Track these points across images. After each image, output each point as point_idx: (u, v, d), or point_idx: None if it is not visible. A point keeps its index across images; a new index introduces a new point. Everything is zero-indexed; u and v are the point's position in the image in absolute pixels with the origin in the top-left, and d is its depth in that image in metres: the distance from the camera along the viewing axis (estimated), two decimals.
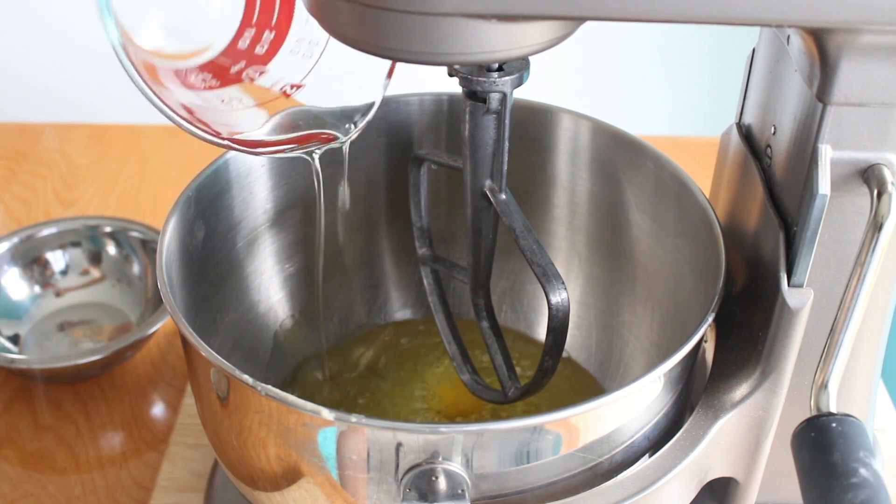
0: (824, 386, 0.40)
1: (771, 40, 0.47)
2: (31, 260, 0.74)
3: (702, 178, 0.54)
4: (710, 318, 0.45)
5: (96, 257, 0.76)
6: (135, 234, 0.75)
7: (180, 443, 0.65)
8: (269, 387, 0.41)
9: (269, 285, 0.62)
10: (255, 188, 0.58)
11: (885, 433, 0.67)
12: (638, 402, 0.45)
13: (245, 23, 0.49)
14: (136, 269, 0.75)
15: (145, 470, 0.64)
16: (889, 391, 0.71)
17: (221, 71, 0.49)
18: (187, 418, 0.67)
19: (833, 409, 0.39)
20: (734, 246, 0.50)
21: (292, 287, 0.63)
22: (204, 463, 0.63)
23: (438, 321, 0.60)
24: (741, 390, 0.47)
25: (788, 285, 0.44)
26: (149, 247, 0.74)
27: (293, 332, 0.64)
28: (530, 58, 0.41)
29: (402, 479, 0.42)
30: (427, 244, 0.60)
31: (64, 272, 0.75)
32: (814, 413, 0.40)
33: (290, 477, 0.45)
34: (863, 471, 0.37)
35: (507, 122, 0.46)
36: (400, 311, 0.68)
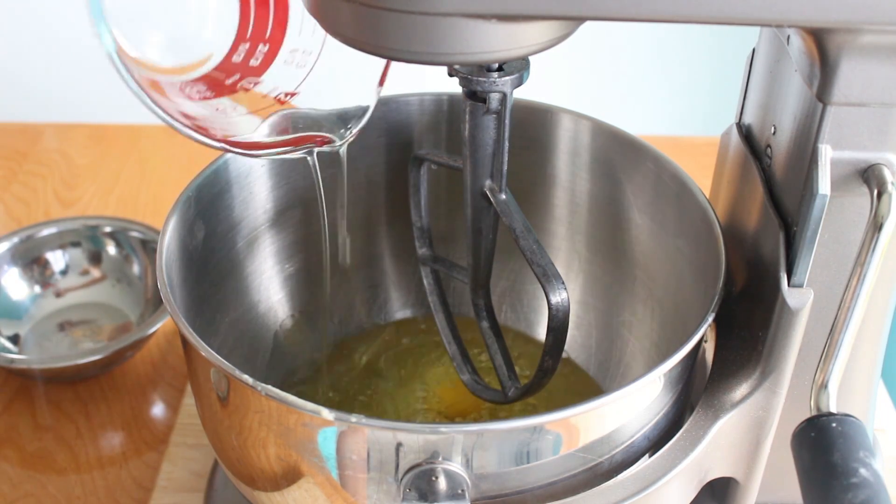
0: (824, 386, 0.40)
1: (771, 40, 0.47)
2: (31, 260, 0.74)
3: (702, 178, 0.54)
4: (710, 318, 0.45)
5: (96, 257, 0.76)
6: (135, 234, 0.75)
7: (180, 443, 0.64)
8: (269, 387, 0.41)
9: (269, 285, 0.62)
10: (255, 188, 0.58)
11: (885, 433, 0.67)
12: (638, 403, 0.45)
13: (240, 38, 0.50)
14: (136, 269, 0.75)
15: (145, 470, 0.64)
16: (889, 391, 0.71)
17: (216, 83, 0.49)
18: (187, 418, 0.67)
19: (833, 409, 0.39)
20: (734, 246, 0.50)
21: (292, 287, 0.63)
22: (204, 463, 0.63)
23: (438, 321, 0.60)
24: (741, 390, 0.47)
25: (788, 285, 0.44)
26: (149, 247, 0.74)
27: (293, 332, 0.64)
28: (530, 58, 0.41)
29: (402, 479, 0.42)
30: (427, 244, 0.60)
31: (64, 272, 0.75)
32: (814, 413, 0.40)
33: (290, 477, 0.45)
34: (863, 471, 0.37)
35: (507, 122, 0.46)
36: (400, 311, 0.68)
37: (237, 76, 0.50)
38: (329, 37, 0.50)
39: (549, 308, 0.47)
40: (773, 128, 0.47)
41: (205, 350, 0.43)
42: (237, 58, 0.49)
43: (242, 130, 0.50)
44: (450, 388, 0.63)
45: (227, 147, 0.48)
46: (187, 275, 0.52)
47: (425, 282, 0.61)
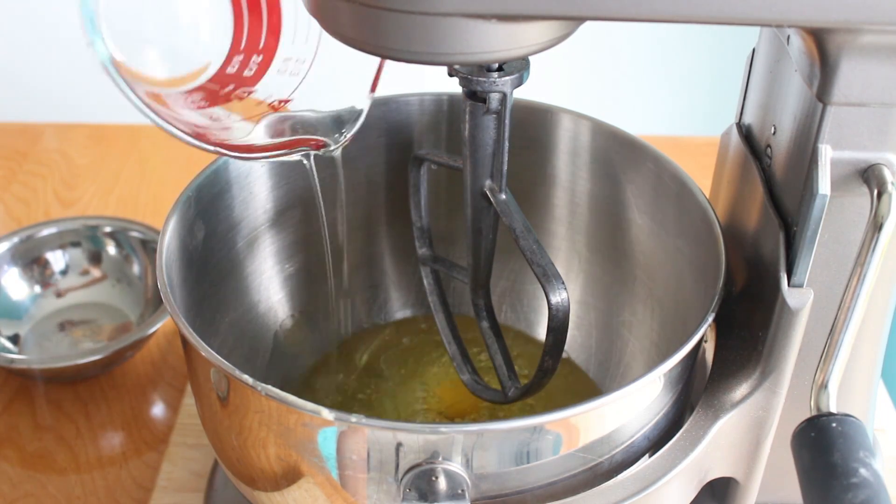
0: (824, 386, 0.40)
1: (771, 40, 0.47)
2: (31, 260, 0.74)
3: (702, 178, 0.54)
4: (710, 318, 0.45)
5: (96, 257, 0.76)
6: (135, 234, 0.75)
7: (180, 443, 0.65)
8: (269, 387, 0.41)
9: (269, 285, 0.62)
10: (255, 188, 0.58)
11: (885, 433, 0.67)
12: (638, 403, 0.45)
13: (234, 50, 0.50)
14: (136, 269, 0.75)
15: (145, 470, 0.64)
16: (889, 391, 0.71)
17: (211, 94, 0.50)
18: (187, 418, 0.67)
19: (833, 409, 0.39)
20: (734, 246, 0.50)
21: (292, 287, 0.63)
22: (204, 463, 0.63)
23: (438, 321, 0.60)
24: (741, 390, 0.47)
25: (788, 285, 0.44)
26: (149, 247, 0.74)
27: (293, 332, 0.64)
28: (530, 58, 0.41)
29: (402, 479, 0.42)
30: (427, 244, 0.60)
31: (64, 272, 0.75)
32: (814, 413, 0.40)
33: (290, 477, 0.45)
34: (863, 471, 0.37)
35: (507, 122, 0.46)
36: (400, 311, 0.68)
37: (231, 86, 0.50)
38: (322, 44, 0.51)
39: (549, 308, 0.47)
40: (773, 128, 0.47)
41: (205, 350, 0.43)
42: (231, 69, 0.50)
43: (237, 136, 0.50)
44: (449, 388, 0.63)
45: (223, 151, 0.48)
46: (187, 275, 0.52)
47: (425, 282, 0.61)
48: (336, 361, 0.65)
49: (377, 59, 0.52)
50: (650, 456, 0.46)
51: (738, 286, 0.50)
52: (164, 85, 0.48)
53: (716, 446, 0.47)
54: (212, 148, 0.47)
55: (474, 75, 0.44)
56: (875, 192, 0.41)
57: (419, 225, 0.60)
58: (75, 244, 0.75)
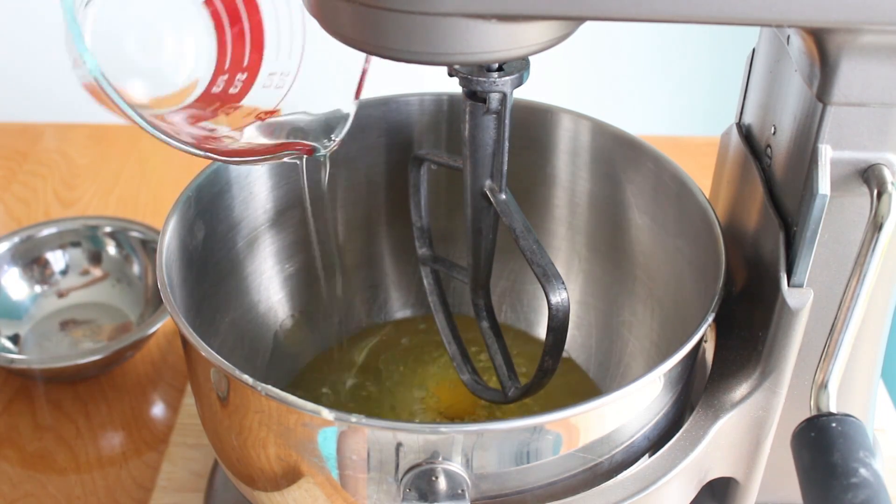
0: (824, 386, 0.40)
1: (771, 40, 0.47)
2: (31, 260, 0.74)
3: (702, 178, 0.54)
4: (710, 318, 0.45)
5: (96, 257, 0.76)
6: (135, 234, 0.75)
7: (180, 443, 0.64)
8: (269, 387, 0.41)
9: (269, 285, 0.62)
10: (255, 188, 0.58)
11: (885, 433, 0.67)
12: (638, 403, 0.45)
13: (218, 70, 0.50)
14: (136, 269, 0.75)
15: (145, 470, 0.64)
16: (889, 391, 0.71)
17: (196, 114, 0.50)
18: (187, 418, 0.67)
19: (833, 409, 0.39)
20: (734, 246, 0.50)
21: (292, 287, 0.63)
22: (204, 463, 0.63)
23: (438, 321, 0.60)
24: (741, 390, 0.47)
25: (788, 285, 0.44)
26: (149, 247, 0.74)
27: (293, 332, 0.64)
28: (530, 58, 0.41)
29: (402, 479, 0.42)
30: (427, 244, 0.60)
31: (64, 272, 0.75)
32: (814, 413, 0.40)
33: (290, 477, 0.45)
34: (863, 471, 0.37)
35: (507, 122, 0.46)
36: (400, 311, 0.68)
37: (217, 104, 0.50)
38: (305, 56, 0.51)
39: (549, 308, 0.47)
40: (773, 128, 0.47)
41: (205, 350, 0.43)
42: (216, 89, 0.50)
43: (227, 144, 0.50)
44: (448, 388, 0.63)
45: (212, 156, 0.48)
46: (187, 275, 0.52)
47: (425, 282, 0.61)
48: (334, 361, 0.65)
49: (361, 66, 0.52)
50: (650, 456, 0.46)
51: (738, 286, 0.50)
52: (149, 108, 0.49)
53: (716, 446, 0.47)
54: (201, 153, 0.47)
55: (474, 75, 0.44)
56: (875, 192, 0.41)
57: (419, 225, 0.60)
58: (75, 244, 0.75)
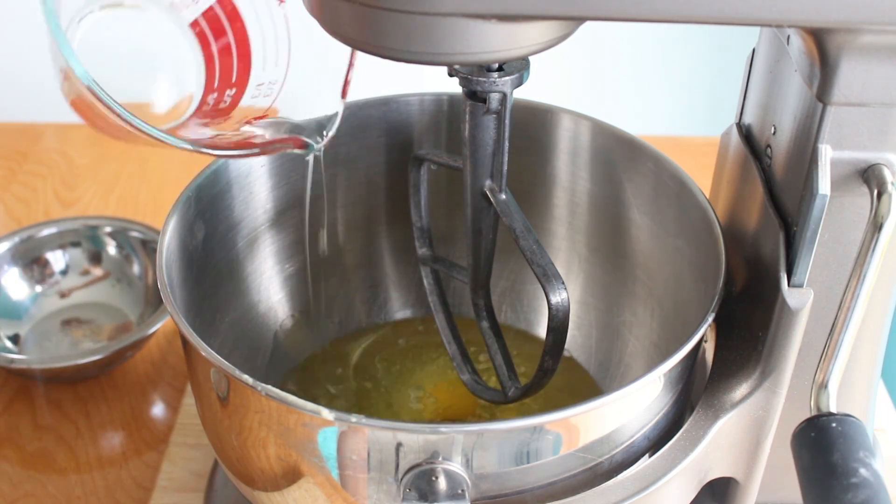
0: (824, 386, 0.40)
1: (771, 40, 0.47)
2: (31, 260, 0.74)
3: (702, 178, 0.54)
4: (710, 318, 0.45)
5: (96, 257, 0.76)
6: (135, 234, 0.75)
7: (180, 443, 0.65)
8: (269, 387, 0.41)
9: (269, 285, 0.62)
10: (255, 188, 0.58)
11: (885, 433, 0.67)
12: (638, 402, 0.45)
13: (208, 90, 0.51)
14: (136, 269, 0.75)
15: (145, 470, 0.64)
16: (889, 391, 0.71)
17: (187, 130, 0.50)
18: (187, 418, 0.67)
19: (833, 409, 0.39)
20: (734, 246, 0.50)
21: (292, 287, 0.63)
22: (204, 463, 0.63)
23: (438, 321, 0.60)
24: (741, 390, 0.47)
25: (788, 285, 0.44)
26: (149, 247, 0.74)
27: (293, 332, 0.64)
28: (530, 58, 0.41)
29: (402, 479, 0.42)
30: (427, 244, 0.60)
31: (64, 272, 0.75)
32: (814, 413, 0.40)
33: (290, 477, 0.45)
34: (863, 471, 0.37)
35: (507, 122, 0.46)
36: (400, 311, 0.68)
37: (207, 120, 0.51)
38: (292, 63, 0.51)
39: (549, 308, 0.47)
40: (773, 128, 0.47)
41: (205, 350, 0.43)
42: (206, 107, 0.51)
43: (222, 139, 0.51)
44: (446, 389, 0.63)
45: (204, 150, 0.48)
46: (187, 275, 0.52)
47: (425, 282, 0.61)
48: (334, 361, 0.65)
49: (345, 67, 0.52)
50: (650, 456, 0.46)
51: (738, 286, 0.50)
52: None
53: (716, 446, 0.47)
54: (190, 146, 0.47)
55: (474, 75, 0.44)
56: (875, 192, 0.41)
57: (419, 225, 0.60)
58: (75, 244, 0.75)
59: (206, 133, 0.50)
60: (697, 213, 0.52)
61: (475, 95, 0.45)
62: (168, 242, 0.50)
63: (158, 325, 0.67)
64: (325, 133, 0.52)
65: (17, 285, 0.73)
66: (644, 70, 1.28)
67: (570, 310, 0.48)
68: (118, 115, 0.42)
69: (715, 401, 0.47)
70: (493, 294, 0.56)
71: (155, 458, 0.65)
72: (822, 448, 0.38)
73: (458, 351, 0.59)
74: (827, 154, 0.42)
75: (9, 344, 0.71)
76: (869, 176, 0.42)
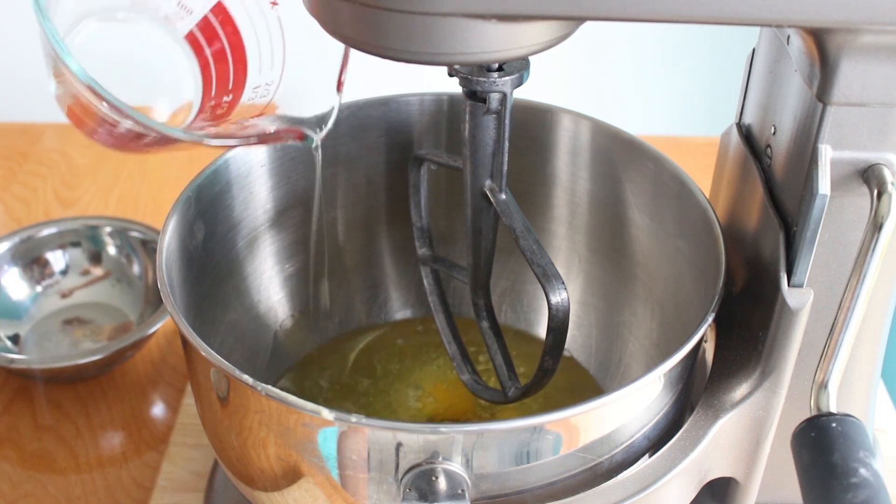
0: (824, 386, 0.40)
1: (771, 40, 0.47)
2: (31, 260, 0.74)
3: (702, 178, 0.54)
4: (710, 318, 0.45)
5: (96, 257, 0.76)
6: (135, 234, 0.75)
7: (180, 443, 0.65)
8: (269, 387, 0.41)
9: (269, 285, 0.62)
10: (255, 188, 0.58)
11: (885, 433, 0.67)
12: (638, 402, 0.45)
13: (205, 99, 0.51)
14: (136, 269, 0.75)
15: (145, 470, 0.64)
16: (889, 391, 0.71)
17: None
18: (187, 418, 0.67)
19: (833, 409, 0.39)
20: (734, 246, 0.50)
21: (292, 287, 0.63)
22: (204, 463, 0.63)
23: (438, 321, 0.60)
24: (741, 390, 0.47)
25: (788, 285, 0.44)
26: (149, 247, 0.74)
27: (293, 332, 0.64)
28: (530, 58, 0.41)
29: (402, 479, 0.42)
30: (427, 244, 0.60)
31: (64, 272, 0.75)
32: (814, 413, 0.40)
33: (290, 477, 0.45)
34: (863, 471, 0.37)
35: (507, 122, 0.46)
36: (400, 311, 0.68)
37: (204, 125, 0.51)
38: (287, 62, 0.51)
39: (549, 308, 0.47)
40: (773, 128, 0.47)
41: (205, 350, 0.43)
42: (205, 114, 0.50)
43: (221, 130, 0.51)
44: (445, 389, 0.63)
45: (211, 141, 0.48)
46: (187, 275, 0.52)
47: (425, 282, 0.61)
48: (333, 361, 0.65)
49: (339, 62, 0.52)
50: (650, 456, 0.46)
51: (738, 286, 0.50)
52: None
53: (716, 446, 0.47)
54: (188, 136, 0.47)
55: (474, 75, 0.44)
56: (875, 192, 0.41)
57: (419, 225, 0.60)
58: (75, 244, 0.75)
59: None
60: (697, 213, 0.52)
61: (475, 95, 0.45)
62: (168, 242, 0.50)
63: (158, 325, 0.67)
64: (323, 125, 0.52)
65: (17, 285, 0.73)
66: (644, 70, 1.28)
67: (570, 310, 0.48)
68: (118, 110, 0.42)
69: (715, 401, 0.47)
70: (493, 294, 0.56)
71: (155, 458, 0.65)
72: (822, 448, 0.38)
73: (458, 351, 0.59)
74: (827, 154, 0.42)
75: (9, 344, 0.71)
76: (869, 176, 0.42)
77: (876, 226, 0.40)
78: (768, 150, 0.48)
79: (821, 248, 0.44)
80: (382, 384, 0.63)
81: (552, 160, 0.61)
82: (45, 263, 0.75)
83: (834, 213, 0.43)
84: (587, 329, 0.65)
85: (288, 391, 0.41)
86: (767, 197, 0.46)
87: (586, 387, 0.63)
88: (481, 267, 0.54)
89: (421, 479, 0.42)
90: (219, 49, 0.51)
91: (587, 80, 1.28)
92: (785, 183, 0.45)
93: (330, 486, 0.44)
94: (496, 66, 0.44)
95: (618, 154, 0.58)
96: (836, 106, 0.40)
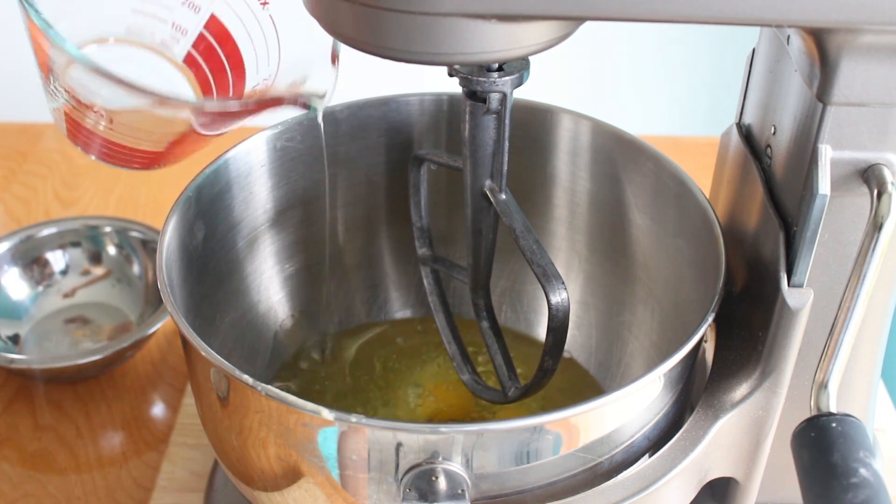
0: (824, 386, 0.40)
1: (771, 40, 0.47)
2: (31, 260, 0.74)
3: (702, 178, 0.54)
4: (710, 318, 0.45)
5: (96, 257, 0.76)
6: (135, 234, 0.75)
7: (180, 443, 0.65)
8: (269, 387, 0.41)
9: (269, 285, 0.62)
10: (255, 188, 0.58)
11: (885, 433, 0.67)
12: (638, 402, 0.45)
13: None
14: (136, 269, 0.75)
15: (145, 470, 0.64)
16: (889, 391, 0.71)
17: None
18: (187, 418, 0.67)
19: (833, 409, 0.39)
20: (734, 246, 0.50)
21: (292, 287, 0.63)
22: (204, 463, 0.63)
23: (438, 321, 0.60)
24: (741, 390, 0.47)
25: (788, 285, 0.44)
26: (149, 247, 0.74)
27: (293, 332, 0.64)
28: (530, 58, 0.41)
29: (402, 479, 0.42)
30: (427, 244, 0.60)
31: (64, 272, 0.75)
32: (814, 413, 0.40)
33: (290, 477, 0.45)
34: (863, 471, 0.37)
35: (507, 122, 0.46)
36: (400, 311, 0.68)
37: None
38: (283, 53, 0.51)
39: (549, 308, 0.47)
40: (773, 128, 0.47)
41: (205, 350, 0.43)
42: (205, 119, 0.51)
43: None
44: (445, 389, 0.63)
45: (202, 105, 0.48)
46: (187, 275, 0.52)
47: (425, 282, 0.61)
48: (332, 361, 0.65)
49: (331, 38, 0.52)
50: (650, 456, 0.46)
51: (738, 286, 0.50)
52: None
53: (716, 446, 0.47)
54: (192, 101, 0.47)
55: (474, 75, 0.44)
56: (875, 192, 0.41)
57: (419, 225, 0.60)
58: (75, 244, 0.75)
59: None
60: (697, 213, 0.52)
61: (475, 95, 0.45)
62: (168, 242, 0.50)
63: (158, 325, 0.67)
64: (324, 96, 0.52)
65: (17, 285, 0.73)
66: (644, 70, 1.29)
67: (570, 310, 0.48)
68: (120, 81, 0.42)
69: (715, 401, 0.47)
70: (493, 294, 0.56)
71: (155, 458, 0.65)
72: (822, 448, 0.38)
73: (457, 351, 0.59)
74: (827, 154, 0.42)
75: (9, 344, 0.71)
76: (869, 176, 0.42)
77: (876, 226, 0.40)
78: (768, 150, 0.48)
79: (821, 248, 0.44)
80: (382, 383, 0.63)
81: (552, 160, 0.61)
82: (45, 263, 0.75)
83: (834, 213, 0.43)
84: (587, 329, 0.65)
85: (288, 391, 0.41)
86: (767, 197, 0.46)
87: (586, 387, 0.63)
88: (481, 267, 0.54)
89: (421, 479, 0.42)
90: (217, 63, 0.51)
91: (587, 80, 1.28)
92: (785, 183, 0.45)
93: (330, 486, 0.44)
94: (496, 66, 0.44)
95: (618, 154, 0.58)
96: (836, 106, 0.40)
